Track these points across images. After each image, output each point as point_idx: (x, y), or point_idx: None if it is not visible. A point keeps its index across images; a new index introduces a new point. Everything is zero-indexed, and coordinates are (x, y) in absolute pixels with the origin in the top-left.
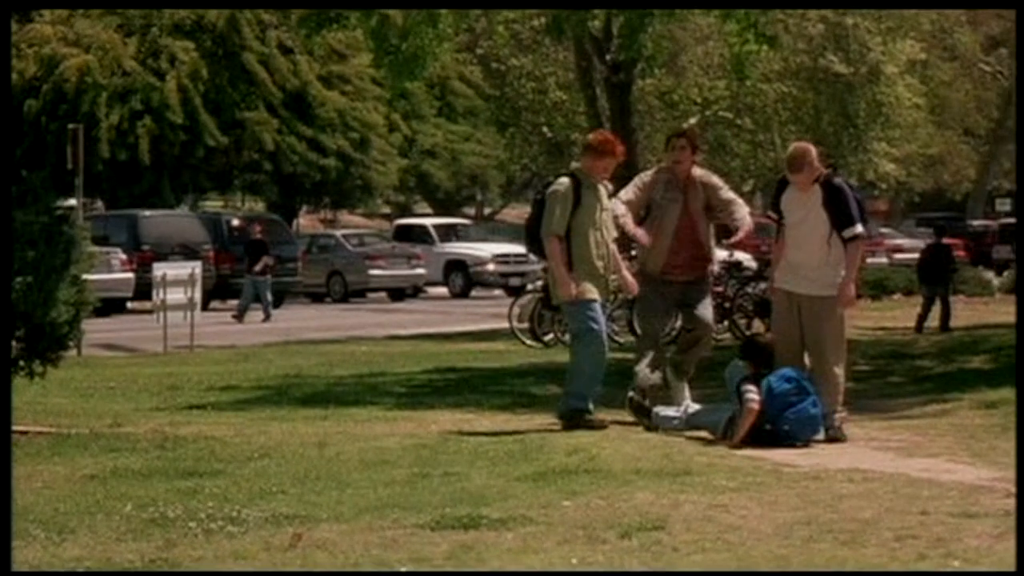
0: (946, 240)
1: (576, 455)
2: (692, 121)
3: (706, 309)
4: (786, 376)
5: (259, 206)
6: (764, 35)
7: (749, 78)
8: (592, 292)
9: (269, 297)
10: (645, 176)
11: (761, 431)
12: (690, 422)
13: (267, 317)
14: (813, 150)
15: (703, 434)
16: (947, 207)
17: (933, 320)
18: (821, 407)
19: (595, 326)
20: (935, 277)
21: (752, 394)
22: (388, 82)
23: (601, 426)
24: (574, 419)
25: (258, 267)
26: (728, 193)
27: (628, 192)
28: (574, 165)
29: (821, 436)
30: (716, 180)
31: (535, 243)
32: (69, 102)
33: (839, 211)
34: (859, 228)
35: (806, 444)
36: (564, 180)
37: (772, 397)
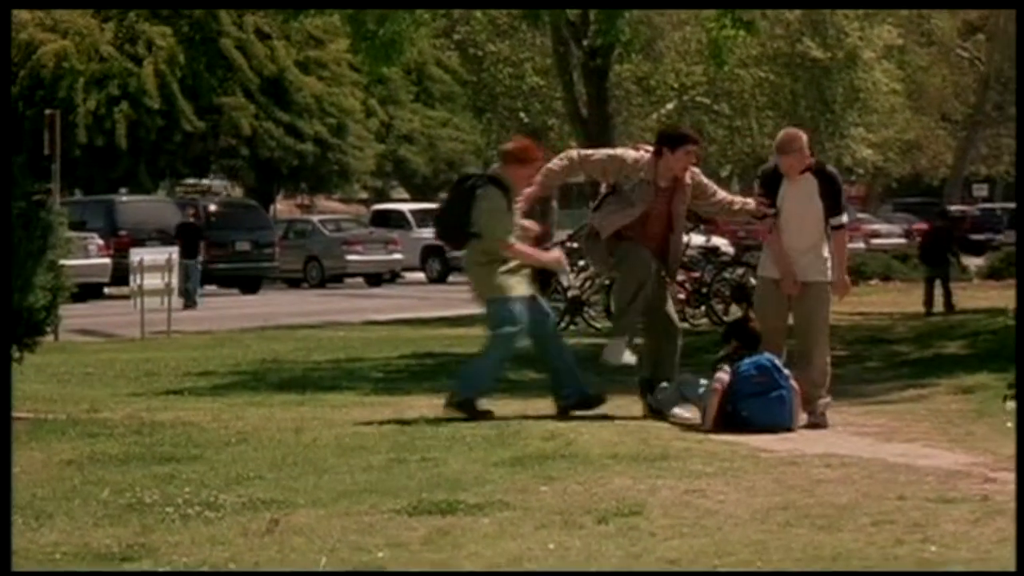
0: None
1: (553, 440)
2: (669, 107)
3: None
4: (760, 363)
5: (236, 191)
6: (741, 20)
7: (726, 63)
8: (519, 288)
9: (196, 286)
10: (627, 156)
11: (724, 412)
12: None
13: (191, 304)
14: (804, 136)
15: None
16: (924, 192)
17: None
18: (789, 401)
19: (516, 327)
20: (935, 259)
21: (721, 373)
22: (365, 67)
23: (487, 416)
24: (463, 407)
25: (199, 255)
26: (720, 193)
27: (598, 155)
28: (495, 170)
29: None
30: (705, 180)
31: (449, 234)
32: (46, 88)
33: (834, 200)
34: (845, 217)
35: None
36: (498, 195)
37: (740, 380)
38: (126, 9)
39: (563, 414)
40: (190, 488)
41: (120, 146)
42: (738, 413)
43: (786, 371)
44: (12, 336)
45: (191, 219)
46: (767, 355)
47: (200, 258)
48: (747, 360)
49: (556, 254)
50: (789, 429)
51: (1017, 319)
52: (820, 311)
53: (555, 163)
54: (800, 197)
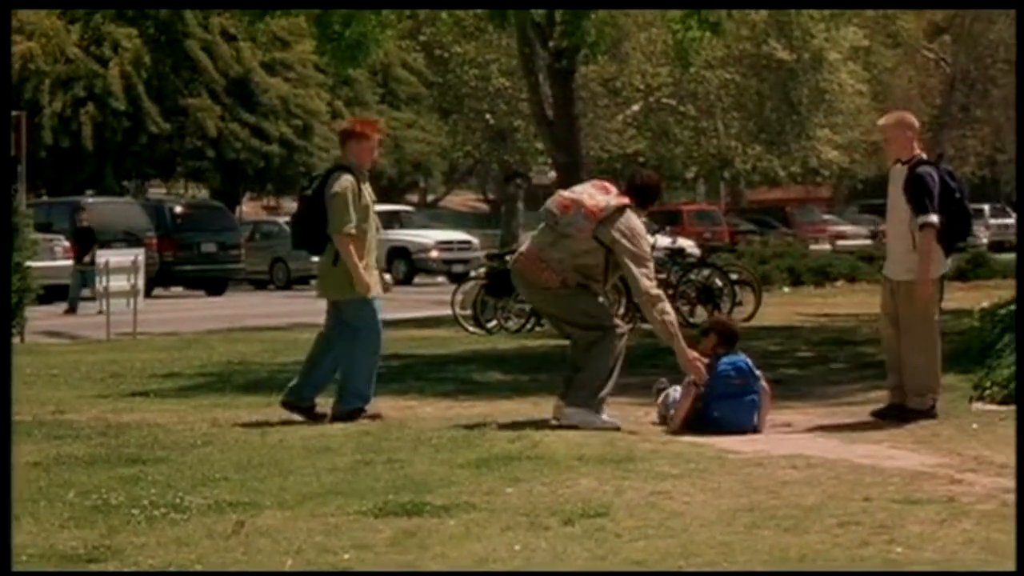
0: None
1: (519, 442)
2: (635, 108)
3: None
4: (738, 365)
5: (202, 193)
6: (707, 22)
7: (692, 65)
8: (376, 288)
9: (86, 292)
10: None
11: (696, 412)
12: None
13: (71, 310)
14: (907, 121)
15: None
16: None
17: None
18: (759, 405)
19: (376, 324)
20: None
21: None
22: (331, 69)
23: (378, 417)
24: (353, 417)
25: (87, 257)
26: None
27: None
28: (338, 158)
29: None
30: None
31: (307, 239)
32: (12, 89)
33: (915, 197)
34: (932, 218)
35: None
36: (348, 177)
37: (718, 379)
38: (116, 9)
39: (289, 407)
40: (156, 490)
41: (86, 148)
42: (709, 413)
43: (758, 373)
44: None
45: (84, 223)
46: (743, 357)
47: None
48: (726, 360)
49: (367, 283)
50: (756, 430)
51: (1017, 319)
52: (910, 310)
53: None
54: (894, 187)
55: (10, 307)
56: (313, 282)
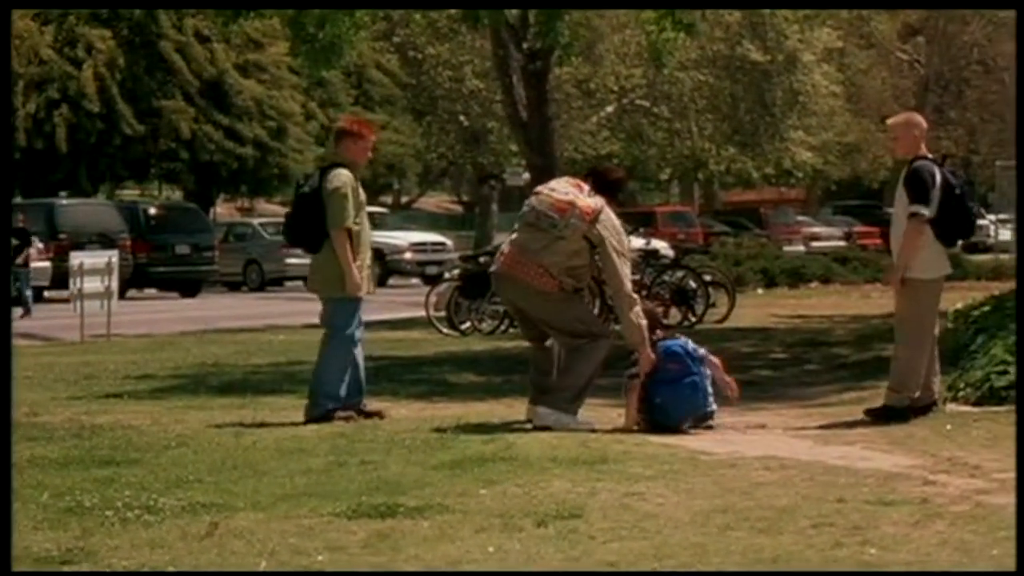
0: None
1: (493, 443)
2: (609, 109)
3: None
4: (670, 350)
5: (176, 194)
6: (681, 23)
7: (666, 66)
8: (367, 287)
9: (29, 292)
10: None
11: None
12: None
13: (26, 312)
14: (914, 121)
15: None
16: (864, 195)
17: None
18: (703, 387)
19: (353, 327)
20: None
21: (636, 368)
22: (305, 70)
23: (351, 419)
24: (327, 418)
25: (19, 259)
26: None
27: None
28: (331, 156)
29: (706, 421)
30: None
31: (303, 237)
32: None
33: (911, 190)
34: (922, 208)
35: (681, 430)
36: (346, 173)
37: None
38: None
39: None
40: (130, 491)
41: (60, 149)
42: (651, 400)
43: (701, 351)
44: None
45: (20, 223)
46: (680, 340)
47: (30, 269)
48: (660, 346)
49: (359, 282)
50: (709, 414)
51: (1017, 320)
52: (899, 306)
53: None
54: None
55: (10, 308)
56: (288, 283)
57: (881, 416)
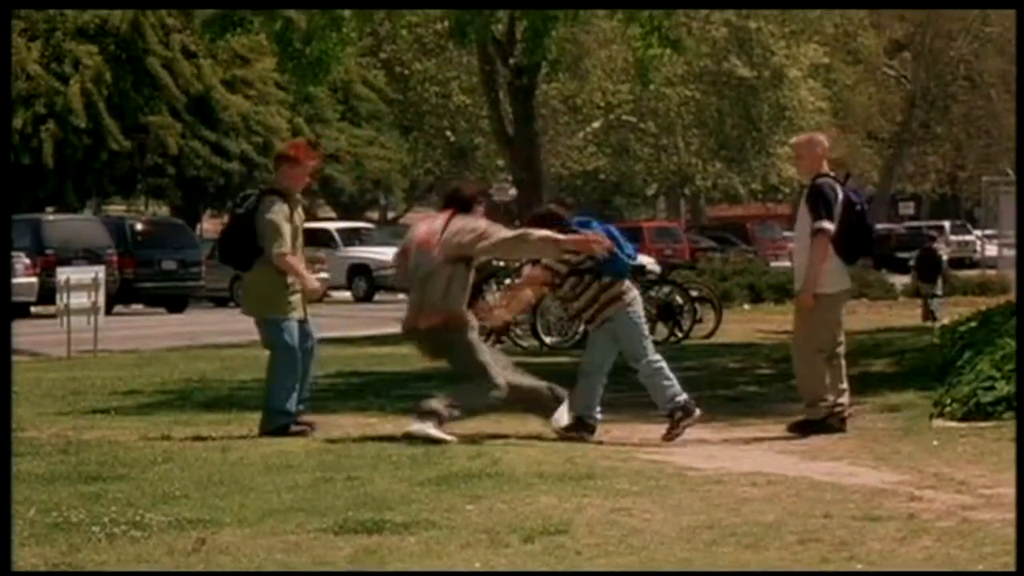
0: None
1: (479, 459)
2: (596, 125)
3: None
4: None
5: (163, 210)
6: (668, 39)
7: (652, 82)
8: (297, 310)
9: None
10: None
11: None
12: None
13: None
14: (816, 140)
15: (604, 438)
16: None
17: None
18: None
19: (292, 342)
20: (928, 277)
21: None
22: (292, 86)
23: (307, 433)
24: (282, 433)
25: None
26: None
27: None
28: (270, 183)
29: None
30: None
31: (233, 255)
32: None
33: (812, 207)
34: (825, 224)
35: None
36: (280, 205)
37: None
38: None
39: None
40: (116, 507)
41: (47, 165)
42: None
43: None
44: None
45: None
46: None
47: None
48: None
49: (316, 286)
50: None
51: (1018, 319)
52: (796, 320)
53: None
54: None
55: (11, 316)
56: None
57: (802, 429)
